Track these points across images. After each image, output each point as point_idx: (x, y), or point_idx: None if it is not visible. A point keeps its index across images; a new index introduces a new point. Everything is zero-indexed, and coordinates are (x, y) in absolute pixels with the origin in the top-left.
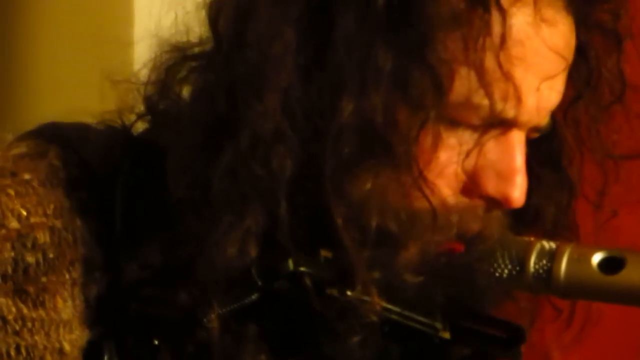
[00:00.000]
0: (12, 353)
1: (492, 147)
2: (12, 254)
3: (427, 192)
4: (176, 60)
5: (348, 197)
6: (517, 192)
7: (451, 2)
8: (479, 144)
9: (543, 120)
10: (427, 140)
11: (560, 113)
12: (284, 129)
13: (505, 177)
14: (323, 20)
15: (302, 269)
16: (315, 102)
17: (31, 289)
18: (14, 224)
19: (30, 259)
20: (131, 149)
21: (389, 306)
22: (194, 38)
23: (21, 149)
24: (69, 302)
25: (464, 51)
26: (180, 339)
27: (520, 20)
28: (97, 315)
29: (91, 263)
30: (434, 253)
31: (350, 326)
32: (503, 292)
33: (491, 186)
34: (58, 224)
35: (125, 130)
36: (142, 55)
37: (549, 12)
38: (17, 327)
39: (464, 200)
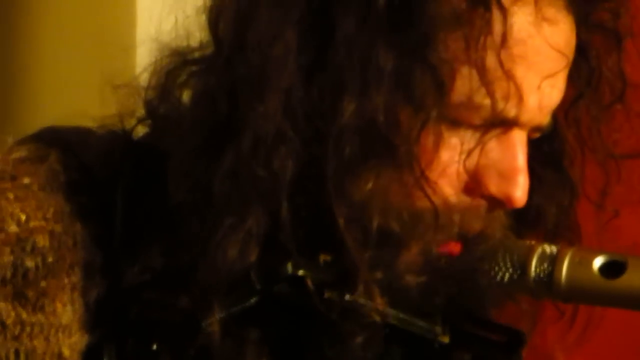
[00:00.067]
0: (11, 358)
1: (494, 146)
2: (12, 258)
3: (429, 191)
4: (176, 64)
5: (350, 197)
6: (519, 191)
7: (452, 2)
8: (480, 143)
9: (545, 119)
10: (428, 140)
11: (561, 113)
12: (285, 130)
13: (507, 176)
14: (324, 21)
15: (301, 272)
16: (317, 103)
17: (30, 293)
18: (13, 228)
19: (29, 263)
20: (131, 153)
21: (388, 310)
22: (194, 42)
23: (21, 152)
24: (69, 306)
25: (465, 50)
26: (181, 342)
27: (521, 19)
28: (97, 319)
29: (91, 267)
30: (435, 255)
31: (351, 329)
32: (504, 295)
33: (493, 186)
34: (58, 228)
35: (126, 134)
36: (144, 58)
37: (549, 11)
38: (16, 332)
39: (466, 199)
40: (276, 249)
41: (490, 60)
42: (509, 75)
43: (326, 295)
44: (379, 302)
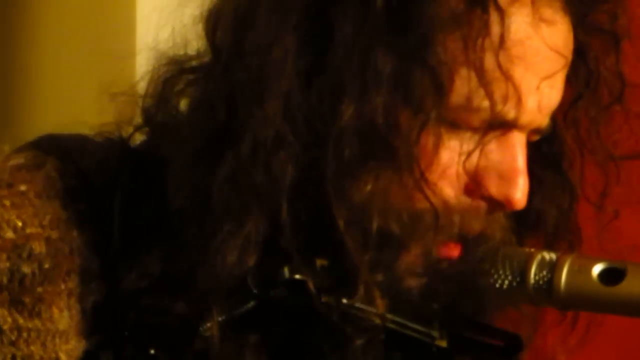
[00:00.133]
0: None
1: (493, 148)
2: (8, 264)
3: (429, 193)
4: (174, 72)
5: (350, 199)
6: (519, 193)
7: (450, 4)
8: (480, 145)
9: (544, 121)
10: (428, 142)
11: (560, 115)
12: (284, 134)
13: (507, 178)
14: (322, 25)
15: (297, 276)
16: (316, 106)
17: (27, 299)
18: (9, 235)
19: (26, 269)
20: (129, 160)
21: (385, 313)
22: (191, 51)
23: (19, 160)
24: (65, 313)
25: (464, 52)
26: (179, 348)
27: (518, 20)
28: (94, 325)
29: (88, 273)
30: (436, 258)
31: (350, 332)
32: (504, 301)
33: (493, 187)
34: (54, 234)
35: (123, 141)
36: (143, 66)
37: (547, 12)
38: (13, 338)
39: (466, 201)
40: (275, 253)
41: (489, 62)
42: (507, 77)
43: (323, 299)
44: (379, 305)
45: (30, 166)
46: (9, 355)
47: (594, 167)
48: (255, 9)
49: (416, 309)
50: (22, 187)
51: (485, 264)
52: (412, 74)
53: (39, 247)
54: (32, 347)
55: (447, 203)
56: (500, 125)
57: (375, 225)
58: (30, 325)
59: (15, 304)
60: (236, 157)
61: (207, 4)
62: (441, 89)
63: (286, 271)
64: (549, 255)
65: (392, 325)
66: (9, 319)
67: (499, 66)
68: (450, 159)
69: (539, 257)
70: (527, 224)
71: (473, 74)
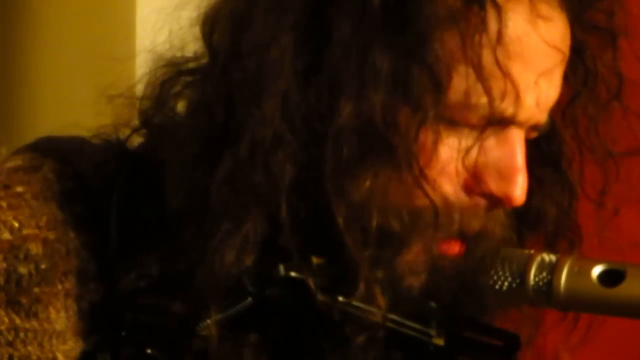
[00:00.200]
0: None
1: (492, 145)
2: (5, 265)
3: (429, 190)
4: (171, 75)
5: (349, 197)
6: (518, 190)
7: (447, 1)
8: (479, 142)
9: (542, 117)
10: (427, 139)
11: (559, 113)
12: (283, 133)
13: (506, 175)
14: (319, 24)
15: (293, 274)
16: (314, 105)
17: (24, 300)
18: (6, 236)
19: (22, 270)
20: (126, 162)
21: (381, 312)
22: (189, 53)
23: (16, 162)
24: (62, 313)
25: (461, 49)
26: (177, 348)
27: (515, 16)
28: (91, 326)
29: (85, 274)
30: (437, 256)
31: (348, 331)
32: (504, 303)
33: (492, 184)
34: (51, 235)
35: (121, 143)
36: (143, 69)
37: (544, 9)
38: (10, 338)
39: (466, 198)
40: (273, 253)
41: (486, 58)
42: (505, 73)
43: (320, 297)
44: (380, 302)
45: (28, 168)
46: (6, 356)
47: (593, 165)
48: (251, 10)
49: (414, 307)
50: (19, 189)
51: (485, 262)
52: (410, 71)
53: (35, 248)
54: (30, 348)
55: (447, 200)
56: (498, 122)
57: (374, 223)
58: (27, 325)
59: (12, 304)
60: (234, 157)
61: (204, 6)
62: (439, 86)
63: (281, 269)
64: (549, 257)
65: (389, 324)
66: (6, 320)
67: (497, 63)
68: (449, 156)
69: (538, 258)
70: (527, 223)
71: (471, 71)
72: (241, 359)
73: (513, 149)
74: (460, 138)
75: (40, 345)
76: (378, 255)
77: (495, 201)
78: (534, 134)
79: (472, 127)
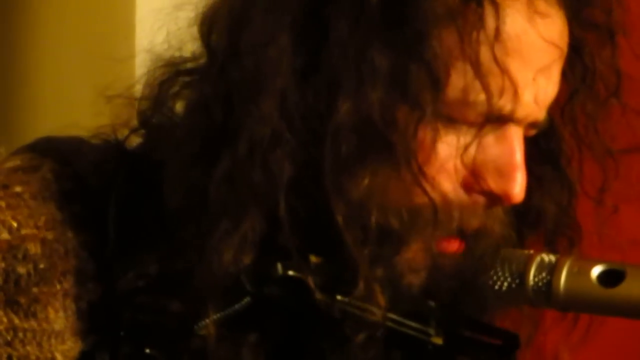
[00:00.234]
0: None
1: (491, 143)
2: (3, 265)
3: (427, 187)
4: (169, 75)
5: (348, 195)
6: (517, 188)
7: None
8: (478, 138)
9: (541, 114)
10: (426, 137)
11: (558, 111)
12: (281, 132)
13: (505, 172)
14: (317, 22)
15: (291, 273)
16: (312, 103)
17: (22, 300)
18: (4, 235)
19: (21, 270)
20: (125, 162)
21: (380, 311)
22: (187, 53)
23: (15, 162)
24: (61, 313)
25: (459, 46)
26: (175, 347)
27: (513, 13)
28: (90, 325)
29: (83, 274)
30: (437, 254)
31: (348, 330)
32: (504, 303)
33: (491, 182)
34: (49, 235)
35: (119, 144)
36: (142, 69)
37: (541, 5)
38: (9, 338)
39: (465, 196)
40: (272, 252)
41: (484, 55)
42: (503, 70)
43: (318, 296)
44: (380, 301)
45: (27, 168)
46: (5, 356)
47: (592, 162)
48: (249, 10)
49: (413, 306)
50: (18, 189)
51: (485, 260)
52: (408, 69)
53: (34, 248)
54: (28, 348)
55: (446, 198)
56: (497, 119)
57: (373, 221)
58: (26, 325)
59: (11, 304)
60: (233, 156)
61: (202, 6)
62: (437, 83)
63: (279, 268)
64: (548, 257)
65: (388, 323)
66: (5, 319)
67: (495, 59)
68: (448, 154)
69: (538, 259)
70: (526, 221)
71: (469, 68)
72: (240, 359)
73: (512, 146)
74: (459, 135)
75: (39, 345)
76: (377, 253)
77: (494, 199)
78: (533, 132)
79: (470, 124)
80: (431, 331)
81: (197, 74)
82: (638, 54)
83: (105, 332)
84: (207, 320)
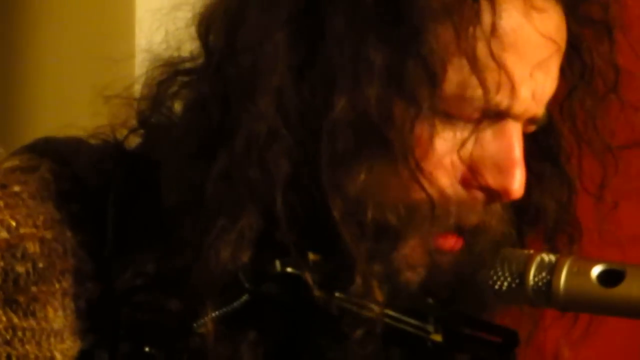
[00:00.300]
0: None
1: (489, 139)
2: (2, 263)
3: (425, 183)
4: (168, 75)
5: (344, 191)
6: (516, 183)
7: None
8: (475, 134)
9: (539, 110)
10: (423, 132)
11: (556, 108)
12: (278, 128)
13: (503, 168)
14: (313, 19)
15: (289, 270)
16: (309, 100)
17: (21, 299)
18: (3, 234)
19: (20, 269)
20: (123, 162)
21: (378, 308)
22: (185, 53)
23: (13, 162)
24: (60, 312)
25: (456, 41)
26: (174, 346)
27: (509, 8)
28: (89, 324)
29: (82, 273)
30: (435, 251)
31: (345, 326)
32: (503, 302)
33: (490, 177)
34: (48, 235)
35: (118, 144)
36: (142, 69)
37: (538, 0)
38: (8, 337)
39: (463, 191)
40: (269, 249)
41: (481, 50)
42: (500, 65)
43: (316, 293)
44: (378, 296)
45: (25, 168)
46: (4, 355)
47: (591, 158)
48: (245, 8)
49: (412, 303)
50: (16, 188)
51: (484, 257)
52: (404, 65)
53: (33, 247)
54: (27, 347)
55: (443, 193)
56: (495, 115)
57: (370, 216)
58: (25, 324)
59: (10, 303)
60: (230, 153)
61: (200, 6)
62: (434, 79)
63: (278, 265)
64: (548, 257)
65: (387, 320)
66: (4, 318)
67: (491, 54)
68: (446, 149)
69: (538, 258)
70: (526, 219)
71: (465, 63)
72: (238, 356)
73: (510, 142)
74: (456, 131)
75: (38, 344)
76: (375, 249)
77: (493, 195)
78: (532, 128)
79: (468, 120)
80: (430, 328)
81: (195, 74)
82: (636, 49)
83: (104, 331)
84: (206, 319)
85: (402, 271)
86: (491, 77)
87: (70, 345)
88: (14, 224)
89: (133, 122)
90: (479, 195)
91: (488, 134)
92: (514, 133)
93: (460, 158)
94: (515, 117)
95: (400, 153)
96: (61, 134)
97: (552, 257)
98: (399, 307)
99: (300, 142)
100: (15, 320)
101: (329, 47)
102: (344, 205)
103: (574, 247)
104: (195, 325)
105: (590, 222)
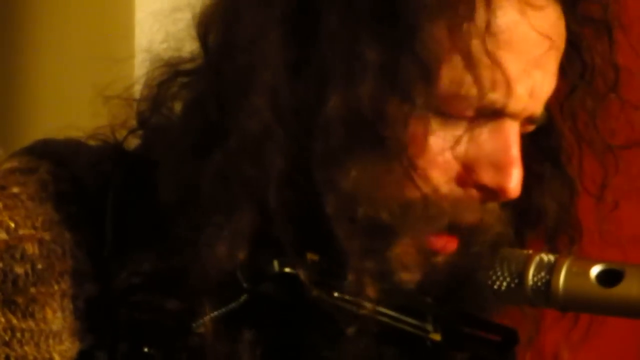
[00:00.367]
0: None
1: (486, 137)
2: (1, 265)
3: (419, 180)
4: (168, 76)
5: (338, 187)
6: (513, 182)
7: None
8: (470, 132)
9: (537, 109)
10: (417, 130)
11: (557, 108)
12: (272, 126)
13: (500, 167)
14: (307, 17)
15: (287, 269)
16: (303, 97)
17: (20, 300)
18: (2, 236)
19: (19, 270)
20: (122, 163)
21: (376, 307)
22: (185, 54)
23: (12, 164)
24: (59, 313)
25: (450, 39)
26: (173, 345)
27: (505, 5)
28: (88, 325)
29: (81, 275)
30: (431, 251)
31: (343, 325)
32: (502, 302)
33: (486, 176)
34: (47, 236)
35: (117, 145)
36: (141, 70)
37: None
38: (7, 338)
39: (458, 190)
40: (266, 247)
41: (476, 48)
42: (495, 63)
43: (314, 292)
44: (371, 293)
45: (24, 170)
46: (3, 356)
47: (592, 158)
48: (240, 6)
49: (410, 302)
50: (15, 190)
51: (481, 256)
52: (398, 62)
53: (31, 248)
54: (26, 348)
55: (438, 191)
56: (491, 113)
57: (363, 213)
58: (23, 325)
59: (9, 304)
60: (225, 150)
61: (200, 7)
62: (429, 76)
63: (276, 265)
64: (547, 257)
65: (386, 319)
66: (3, 320)
67: (487, 52)
68: (440, 147)
69: (537, 258)
70: (527, 220)
71: (460, 61)
72: (237, 356)
73: (507, 141)
74: (452, 129)
75: (37, 345)
76: (368, 246)
77: (490, 193)
78: (531, 128)
79: (463, 117)
80: (429, 327)
81: (194, 75)
82: (636, 48)
83: (102, 332)
84: (205, 318)
85: (397, 271)
86: (486, 75)
87: (69, 346)
88: (12, 225)
89: (133, 123)
90: (475, 193)
91: (485, 132)
92: (512, 132)
93: (455, 156)
94: (512, 116)
95: (394, 150)
96: (61, 135)
97: (552, 257)
98: (397, 306)
99: (294, 139)
100: (14, 321)
101: (323, 45)
102: (337, 201)
103: (574, 248)
104: (194, 325)
105: (591, 222)
